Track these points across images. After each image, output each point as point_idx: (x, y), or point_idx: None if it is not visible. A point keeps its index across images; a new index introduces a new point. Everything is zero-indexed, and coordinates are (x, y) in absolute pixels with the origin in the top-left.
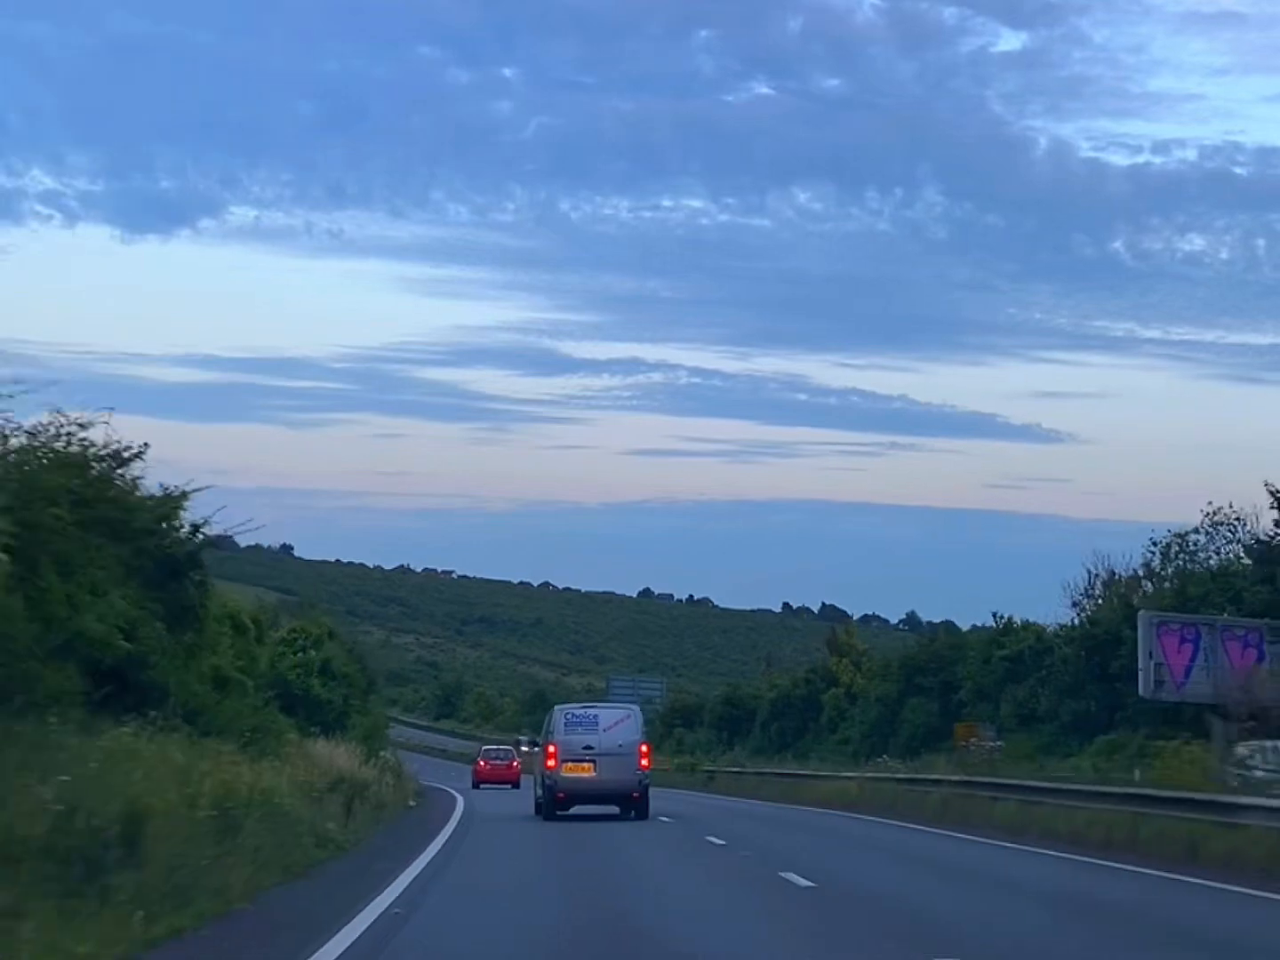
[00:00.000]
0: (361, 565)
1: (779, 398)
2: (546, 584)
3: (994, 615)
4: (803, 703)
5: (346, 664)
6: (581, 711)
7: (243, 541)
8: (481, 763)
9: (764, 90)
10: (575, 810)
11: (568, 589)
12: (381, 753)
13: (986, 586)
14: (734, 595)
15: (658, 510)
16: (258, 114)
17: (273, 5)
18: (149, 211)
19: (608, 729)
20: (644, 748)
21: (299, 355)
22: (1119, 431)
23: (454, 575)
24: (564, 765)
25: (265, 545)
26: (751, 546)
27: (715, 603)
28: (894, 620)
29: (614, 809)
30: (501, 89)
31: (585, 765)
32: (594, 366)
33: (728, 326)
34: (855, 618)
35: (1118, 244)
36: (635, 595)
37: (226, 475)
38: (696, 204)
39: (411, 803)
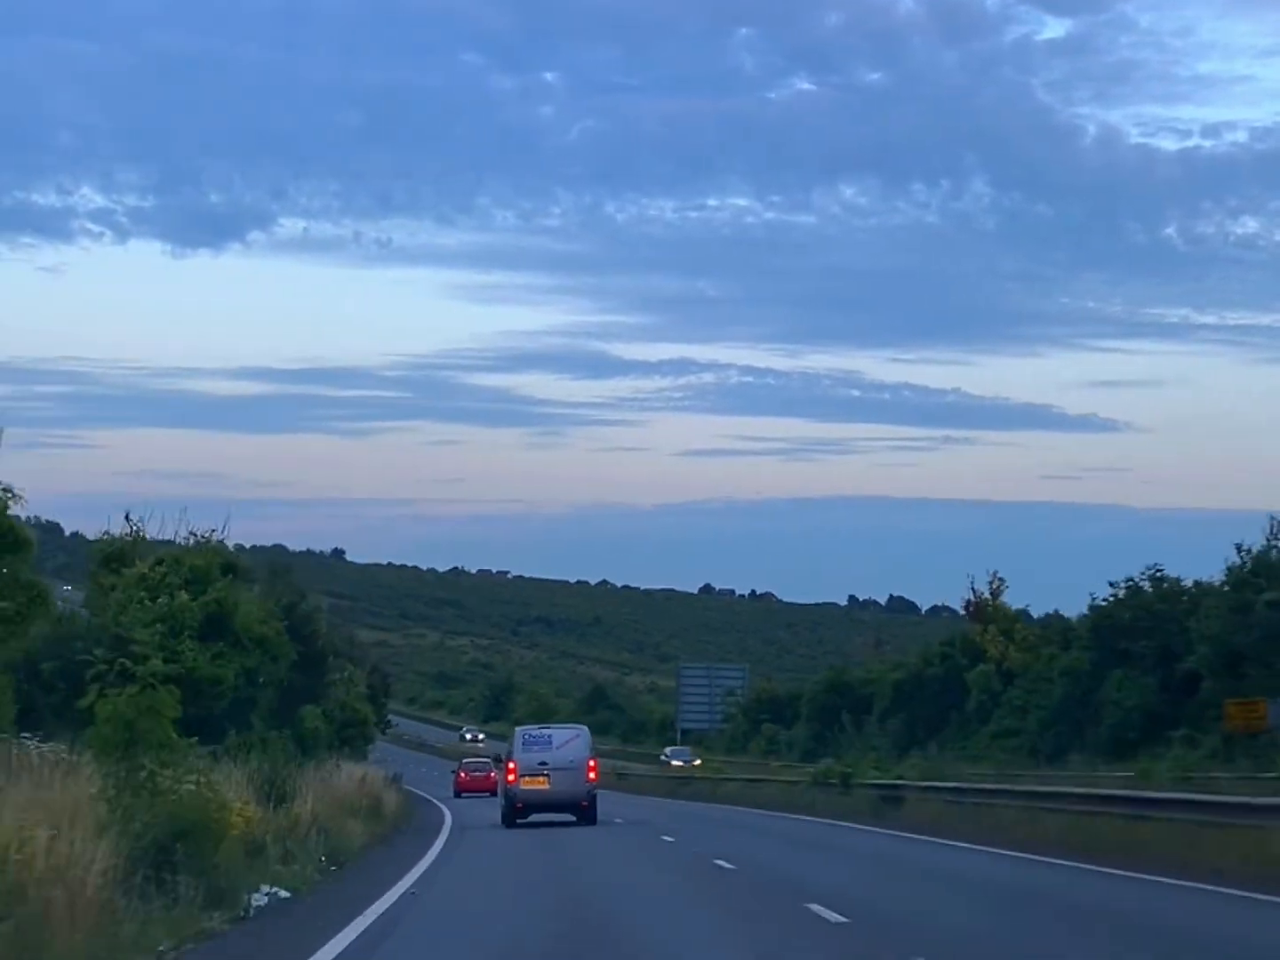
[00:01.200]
0: (414, 568)
1: (832, 394)
2: (605, 582)
3: (1238, 548)
4: (939, 684)
5: (263, 624)
6: (538, 732)
7: (293, 547)
8: (462, 774)
9: (806, 86)
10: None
11: (626, 587)
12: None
13: (1051, 577)
14: (797, 590)
15: (715, 510)
16: (303, 126)
17: (315, 18)
18: (199, 226)
19: (559, 747)
20: (592, 763)
21: (351, 365)
22: (1176, 419)
23: (509, 575)
24: (522, 779)
25: (316, 550)
26: (811, 543)
27: (779, 597)
28: (964, 611)
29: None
30: (544, 94)
31: (540, 779)
32: (644, 368)
33: (777, 324)
34: (924, 609)
35: (1170, 229)
36: (696, 592)
37: (282, 487)
38: (742, 202)
39: None
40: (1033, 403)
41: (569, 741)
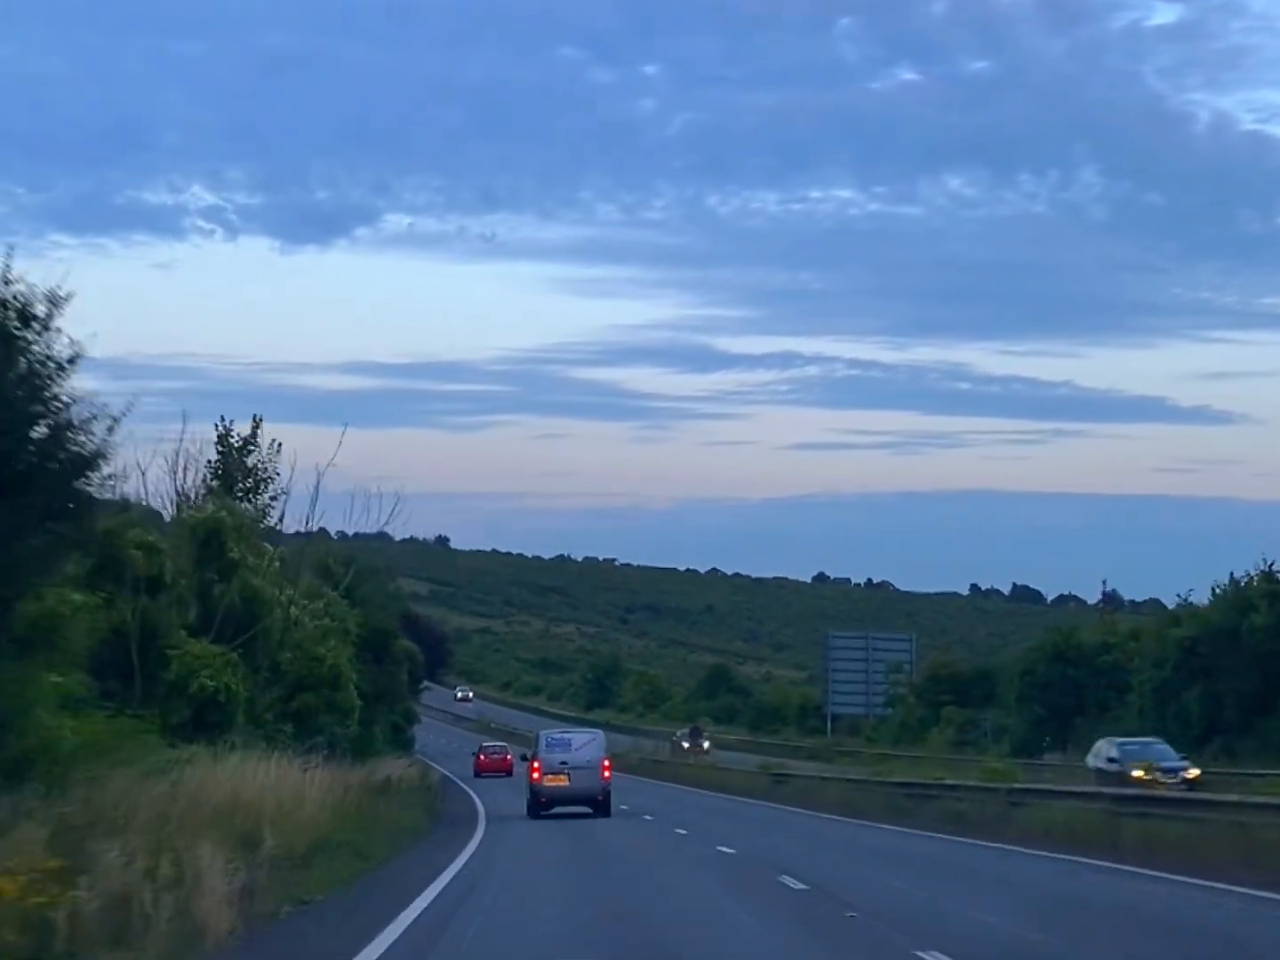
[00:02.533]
0: (519, 555)
1: (940, 387)
2: (715, 570)
3: None
4: (1268, 637)
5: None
6: (559, 736)
7: (397, 535)
8: (482, 756)
9: (909, 76)
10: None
11: (737, 575)
12: None
13: (1168, 570)
14: (915, 579)
15: (823, 504)
16: (407, 122)
17: (417, 14)
18: (306, 222)
19: (578, 749)
20: (606, 763)
21: (457, 359)
22: None
23: (616, 563)
24: (546, 777)
25: (420, 538)
26: (922, 536)
27: (896, 586)
28: (1092, 600)
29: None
30: (644, 87)
31: (561, 777)
32: (749, 361)
33: (883, 317)
34: (1050, 598)
35: None
36: (809, 581)
37: (389, 481)
38: (845, 194)
39: None
40: (1145, 395)
41: (587, 744)
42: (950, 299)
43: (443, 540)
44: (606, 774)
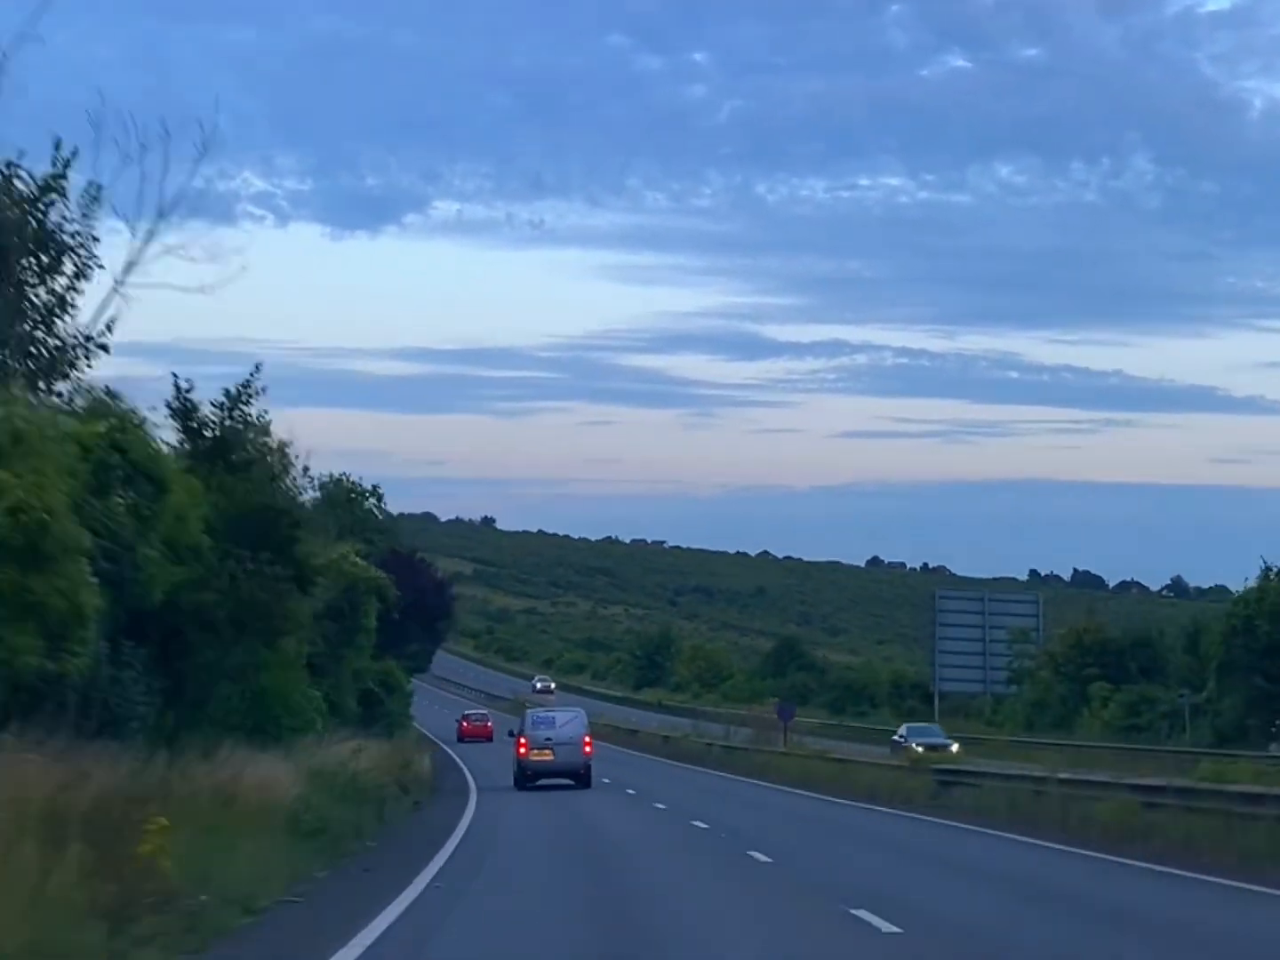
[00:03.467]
0: (565, 536)
1: (989, 376)
2: (765, 553)
3: None
4: None
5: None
6: (544, 714)
7: (443, 516)
8: (464, 723)
9: (960, 63)
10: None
11: (789, 558)
12: None
13: (1220, 561)
14: (969, 564)
15: (871, 493)
16: (456, 108)
17: (465, 1)
18: (356, 209)
19: (561, 726)
20: (587, 739)
21: (506, 345)
22: None
23: (665, 545)
24: (532, 752)
25: (465, 519)
26: (971, 525)
27: (952, 570)
28: (1156, 587)
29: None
30: (693, 74)
31: (546, 752)
32: (797, 349)
33: (932, 305)
34: (1111, 585)
35: None
36: (863, 565)
37: (438, 465)
38: (894, 182)
39: None
40: (1198, 384)
41: (569, 722)
42: (1000, 287)
43: (488, 521)
44: (588, 749)
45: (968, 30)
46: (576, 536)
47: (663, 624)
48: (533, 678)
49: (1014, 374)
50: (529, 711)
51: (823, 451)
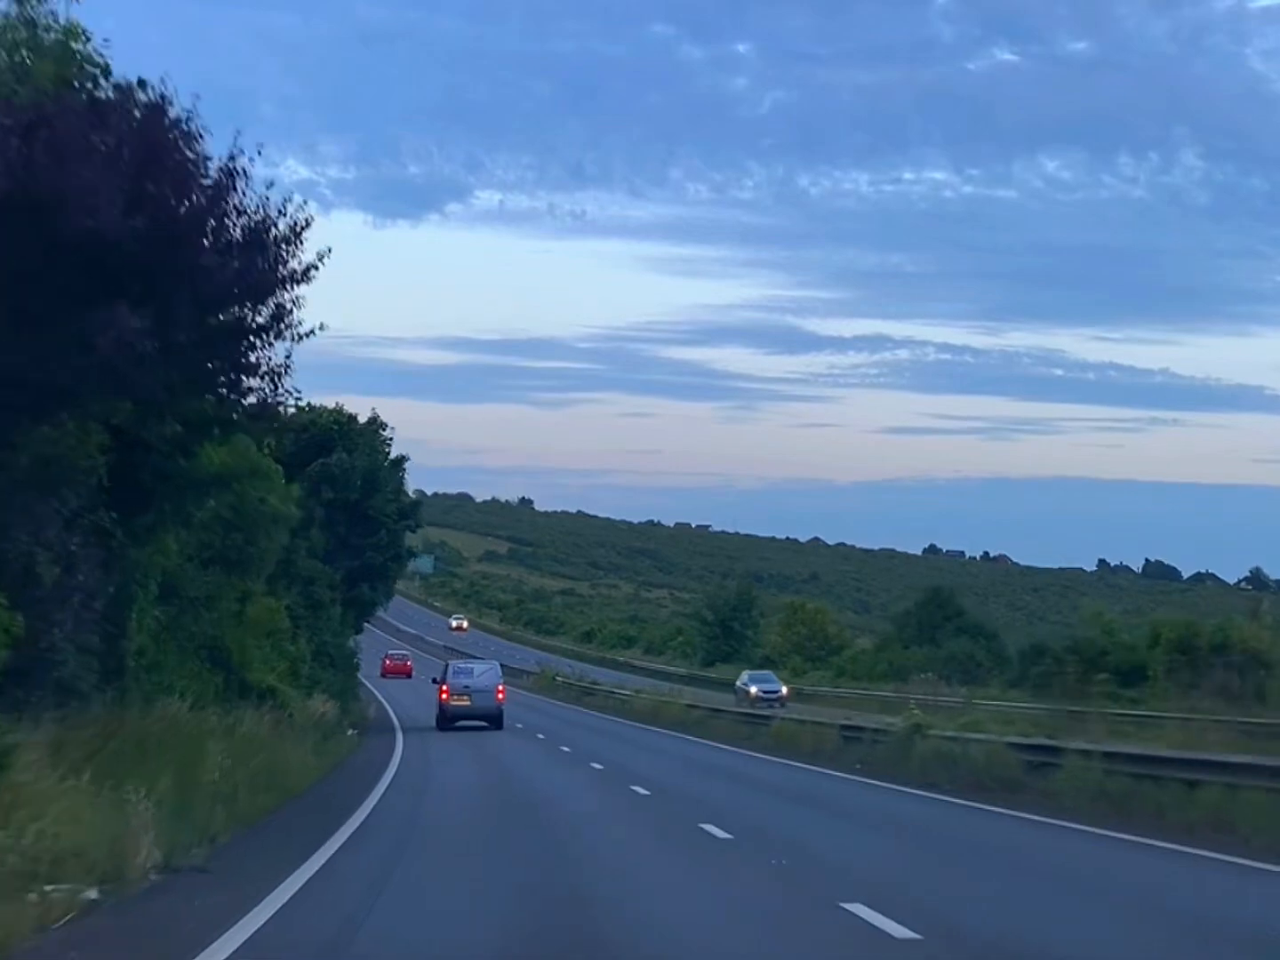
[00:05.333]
0: (606, 519)
1: (1033, 373)
2: (816, 539)
3: None
4: None
5: None
6: (464, 665)
7: (479, 496)
8: (387, 661)
9: (1006, 56)
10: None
11: (841, 544)
12: None
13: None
14: (1035, 553)
15: (914, 488)
16: (498, 97)
17: None
18: (399, 197)
19: (479, 676)
20: (500, 687)
21: (546, 336)
22: None
23: (710, 529)
24: (452, 698)
25: (503, 500)
26: (1020, 519)
27: (1014, 559)
28: (1233, 579)
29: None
30: (736, 64)
31: (465, 698)
32: (839, 344)
33: (976, 301)
34: (1185, 576)
35: None
36: (920, 553)
37: (478, 454)
38: (939, 175)
39: None
40: (1244, 384)
41: (485, 672)
42: (1044, 283)
43: (526, 502)
44: (501, 696)
45: (1015, 22)
46: (618, 519)
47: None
48: (449, 616)
49: (1059, 371)
50: (451, 663)
51: (865, 446)
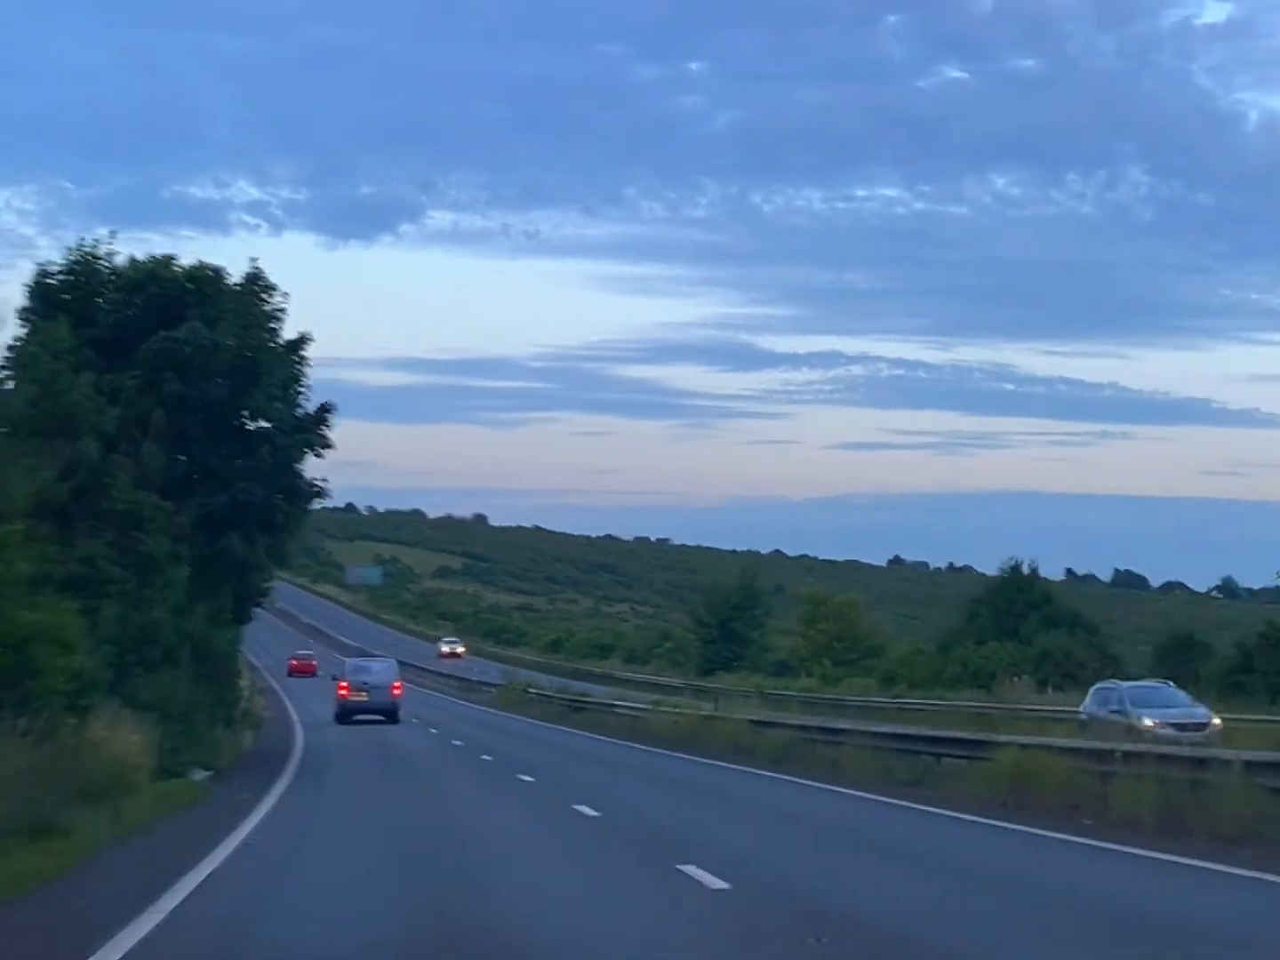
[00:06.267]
0: (563, 534)
1: (985, 388)
2: (778, 552)
3: None
4: None
5: None
6: (362, 663)
7: (431, 513)
8: (294, 661)
9: (956, 74)
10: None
11: (805, 556)
12: None
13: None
14: (995, 564)
15: (866, 505)
16: (452, 117)
17: (461, 9)
18: (351, 218)
19: (376, 673)
20: (397, 684)
21: (500, 355)
22: None
23: (670, 542)
24: (351, 694)
25: (457, 516)
26: (973, 533)
27: (979, 570)
28: (1202, 588)
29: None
30: (689, 83)
31: (363, 694)
32: (793, 360)
33: (928, 316)
34: (1155, 585)
35: None
36: (885, 564)
37: (430, 476)
38: (891, 193)
39: None
40: (1192, 397)
41: (382, 670)
42: (995, 299)
43: (481, 518)
44: (397, 692)
45: (965, 40)
46: (576, 533)
47: (674, 623)
48: (437, 641)
49: (1009, 386)
50: (349, 660)
51: (818, 463)
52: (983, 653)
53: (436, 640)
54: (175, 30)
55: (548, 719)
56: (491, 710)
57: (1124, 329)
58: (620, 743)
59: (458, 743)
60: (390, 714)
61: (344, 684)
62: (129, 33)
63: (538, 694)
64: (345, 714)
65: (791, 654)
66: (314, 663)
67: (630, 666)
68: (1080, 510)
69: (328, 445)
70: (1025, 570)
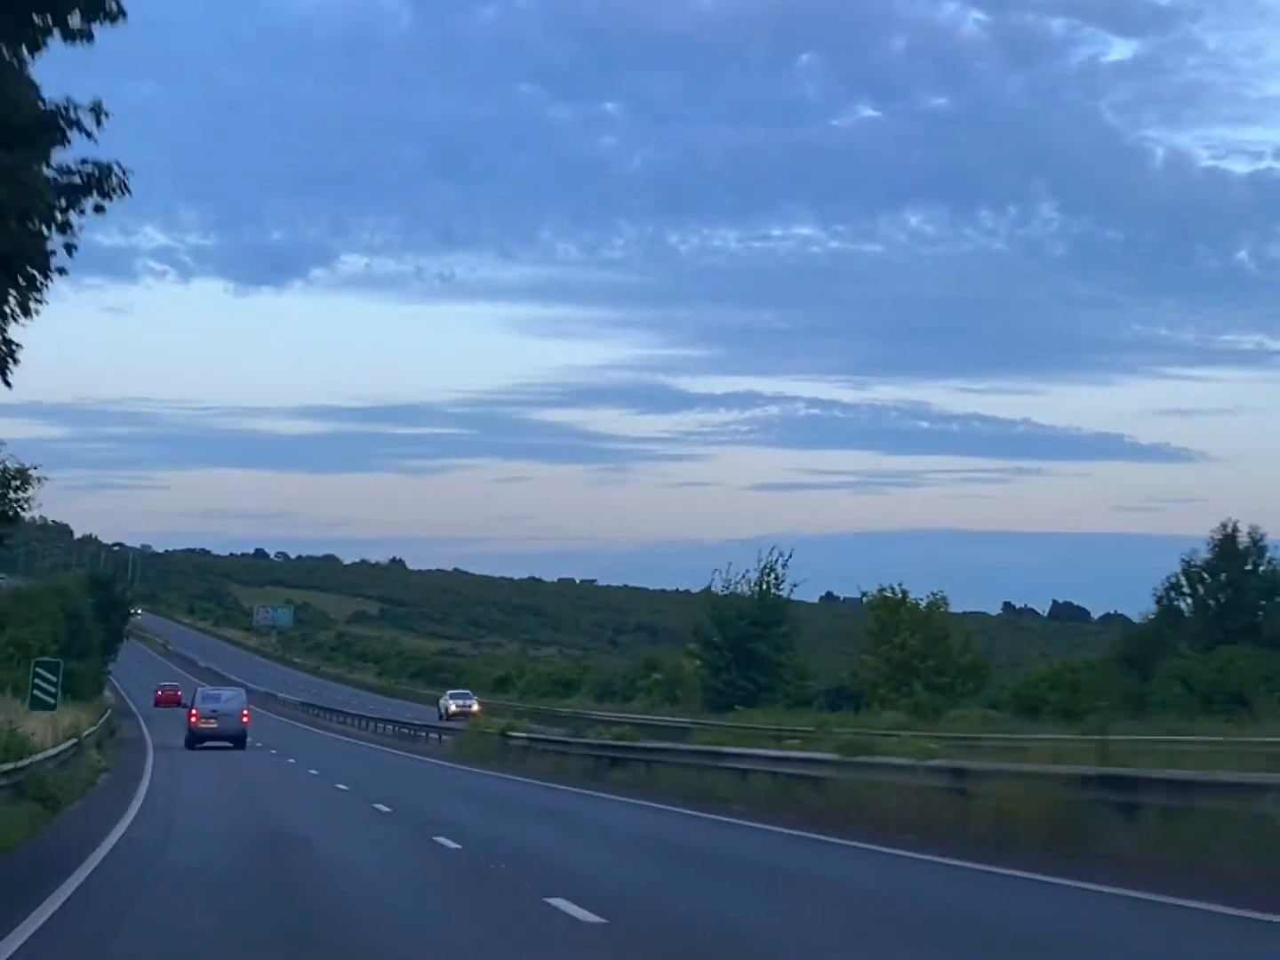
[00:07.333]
0: (484, 576)
1: (900, 426)
2: (710, 589)
3: None
4: None
5: None
6: (211, 691)
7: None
8: (159, 693)
9: (870, 113)
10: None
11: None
12: None
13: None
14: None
15: (782, 546)
16: (364, 161)
17: (372, 52)
18: (261, 264)
19: (225, 701)
20: (245, 712)
21: (415, 401)
22: (1252, 448)
23: (596, 584)
24: (201, 721)
25: (373, 561)
26: (891, 570)
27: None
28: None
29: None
30: (604, 124)
31: (212, 721)
32: (710, 401)
33: (844, 355)
34: (1096, 616)
35: (1242, 254)
36: (817, 600)
37: (348, 526)
38: (806, 231)
39: None
40: (1104, 432)
41: (231, 698)
42: (910, 336)
43: (398, 562)
44: (245, 720)
45: (878, 80)
46: (497, 576)
47: (605, 666)
48: (443, 697)
49: (924, 423)
50: (199, 689)
51: (736, 504)
52: (1213, 663)
53: (443, 696)
54: (82, 74)
55: (560, 779)
56: (456, 767)
57: (1037, 365)
58: (835, 842)
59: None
60: (238, 740)
61: (194, 711)
62: (36, 75)
63: (527, 740)
64: (195, 739)
65: (856, 679)
66: (179, 693)
67: (607, 705)
68: (1000, 546)
69: None
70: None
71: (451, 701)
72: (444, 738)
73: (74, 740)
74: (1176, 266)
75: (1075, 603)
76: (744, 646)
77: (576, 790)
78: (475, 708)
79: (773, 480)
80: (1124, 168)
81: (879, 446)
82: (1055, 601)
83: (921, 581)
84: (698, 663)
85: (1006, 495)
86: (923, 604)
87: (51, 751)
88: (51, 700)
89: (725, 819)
